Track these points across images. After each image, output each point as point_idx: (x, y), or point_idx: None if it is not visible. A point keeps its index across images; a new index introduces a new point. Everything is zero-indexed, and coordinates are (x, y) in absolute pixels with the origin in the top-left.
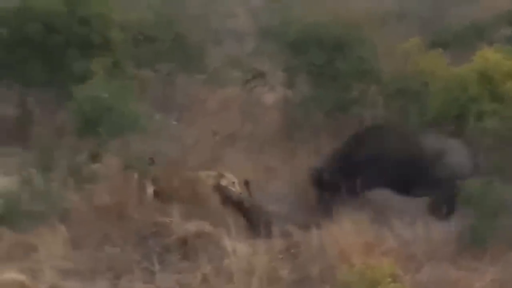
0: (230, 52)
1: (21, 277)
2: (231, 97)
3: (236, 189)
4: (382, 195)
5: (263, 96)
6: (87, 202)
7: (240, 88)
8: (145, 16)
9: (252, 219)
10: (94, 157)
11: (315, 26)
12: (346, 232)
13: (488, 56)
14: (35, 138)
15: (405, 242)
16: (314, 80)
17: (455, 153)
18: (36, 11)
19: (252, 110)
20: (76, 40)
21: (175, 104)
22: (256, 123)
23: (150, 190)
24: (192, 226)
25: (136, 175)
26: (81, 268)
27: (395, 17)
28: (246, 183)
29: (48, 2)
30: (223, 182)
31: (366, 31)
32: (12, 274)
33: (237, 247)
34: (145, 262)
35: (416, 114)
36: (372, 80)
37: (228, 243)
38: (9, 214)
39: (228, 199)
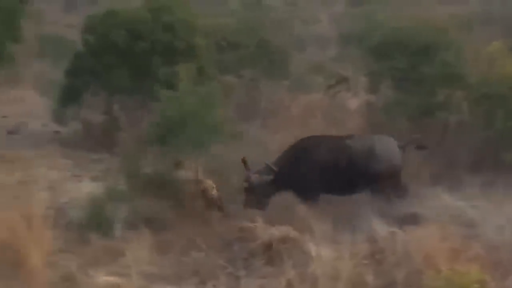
0: (314, 58)
1: (115, 279)
2: (315, 102)
3: (215, 193)
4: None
5: (347, 101)
6: (172, 208)
7: (324, 93)
8: (228, 22)
9: None
10: (177, 164)
11: (399, 30)
12: (432, 237)
13: None
14: (121, 145)
15: (491, 247)
16: (398, 85)
17: (384, 146)
18: (121, 18)
19: (336, 115)
20: (160, 46)
21: (259, 110)
22: (339, 128)
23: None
24: (277, 231)
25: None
26: (166, 273)
27: (479, 21)
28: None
29: (133, 10)
30: (203, 187)
31: (450, 35)
32: (106, 277)
33: (322, 252)
34: (230, 267)
35: (502, 119)
36: (457, 85)
37: (312, 248)
38: (96, 219)
39: (209, 202)
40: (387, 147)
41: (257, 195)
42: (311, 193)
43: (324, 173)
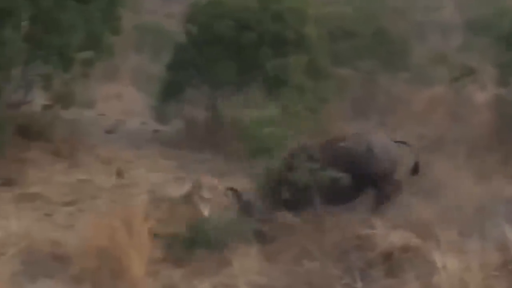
0: (436, 48)
1: None
2: (438, 96)
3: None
4: None
5: (473, 95)
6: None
7: (448, 86)
8: (343, 10)
9: None
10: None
11: None
12: None
13: None
14: (225, 143)
15: None
16: None
17: (380, 144)
18: (227, 7)
19: (461, 110)
20: (269, 37)
21: (376, 106)
22: (465, 125)
23: None
24: (397, 239)
25: None
26: (277, 284)
27: None
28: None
29: None
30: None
31: None
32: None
33: (448, 262)
34: (347, 278)
35: None
36: None
37: (437, 257)
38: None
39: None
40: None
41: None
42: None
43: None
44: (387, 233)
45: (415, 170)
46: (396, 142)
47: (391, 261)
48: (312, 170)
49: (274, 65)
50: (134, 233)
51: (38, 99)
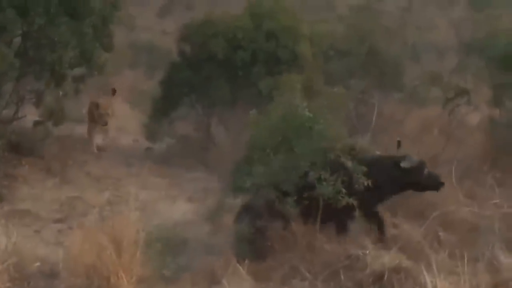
0: (430, 68)
1: None
2: (431, 117)
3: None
4: None
5: (467, 115)
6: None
7: (441, 107)
8: (336, 29)
9: None
10: None
11: None
12: None
13: None
14: (218, 162)
15: None
16: None
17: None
18: (221, 26)
19: (455, 131)
20: (262, 56)
21: (368, 125)
22: (459, 145)
23: None
24: (388, 260)
25: None
26: None
27: None
28: None
29: (232, 17)
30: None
31: None
32: None
33: (438, 284)
34: None
35: None
36: None
37: (428, 279)
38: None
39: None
40: None
41: None
42: None
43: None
44: (378, 254)
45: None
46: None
47: (382, 282)
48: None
49: (268, 83)
50: (123, 251)
51: (30, 115)
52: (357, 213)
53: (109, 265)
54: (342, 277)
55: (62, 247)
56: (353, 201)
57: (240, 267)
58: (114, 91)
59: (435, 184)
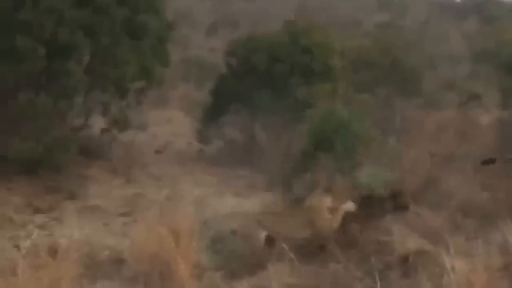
0: (445, 76)
1: None
2: (447, 119)
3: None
4: None
5: (479, 117)
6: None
7: (456, 110)
8: (363, 43)
9: None
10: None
11: None
12: None
13: None
14: (262, 161)
15: None
16: None
17: None
18: (263, 42)
19: (468, 131)
20: (299, 68)
21: (393, 127)
22: (472, 143)
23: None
24: (413, 244)
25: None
26: (306, 284)
27: None
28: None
29: (272, 34)
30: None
31: None
32: None
33: (456, 264)
34: (367, 279)
35: None
36: None
37: (447, 260)
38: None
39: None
40: None
41: None
42: None
43: None
44: (403, 239)
45: None
46: None
47: (407, 264)
48: None
49: (304, 92)
50: (181, 240)
51: (98, 124)
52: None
53: (169, 253)
54: (373, 260)
55: (127, 237)
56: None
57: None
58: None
59: None
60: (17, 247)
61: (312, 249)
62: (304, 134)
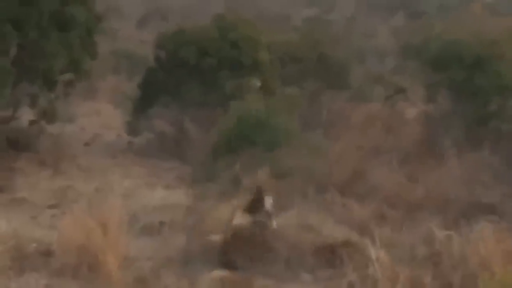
0: (373, 70)
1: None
2: (374, 112)
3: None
4: None
5: (405, 110)
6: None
7: (382, 103)
8: (290, 37)
9: None
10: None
11: (455, 43)
12: (487, 241)
13: None
14: (191, 153)
15: None
16: (454, 95)
17: None
18: (191, 36)
19: (395, 124)
20: (227, 62)
21: (320, 120)
22: (398, 136)
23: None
24: (339, 235)
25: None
26: None
27: None
28: None
29: (201, 28)
30: None
31: (504, 48)
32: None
33: (381, 255)
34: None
35: None
36: (510, 95)
37: (372, 251)
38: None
39: None
40: None
41: None
42: None
43: None
44: (331, 230)
45: None
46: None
47: (334, 255)
48: None
49: (232, 86)
50: (109, 232)
51: (26, 115)
52: None
53: (97, 245)
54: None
55: (55, 230)
56: None
57: None
58: None
59: None
60: None
61: None
62: (226, 129)
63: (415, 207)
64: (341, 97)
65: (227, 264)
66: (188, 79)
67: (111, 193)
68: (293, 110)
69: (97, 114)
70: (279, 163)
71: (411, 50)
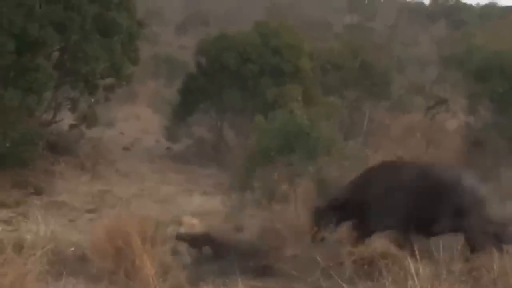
0: (413, 79)
1: None
2: (414, 122)
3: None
4: None
5: (446, 122)
6: (280, 222)
7: (423, 114)
8: (332, 46)
9: None
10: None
11: (498, 54)
12: None
13: None
14: (229, 160)
15: None
16: (496, 107)
17: (468, 178)
18: (232, 41)
19: (435, 135)
20: (268, 69)
21: (360, 129)
22: (438, 148)
23: None
24: (378, 247)
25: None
26: None
27: None
28: None
29: (243, 34)
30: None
31: None
32: None
33: (420, 268)
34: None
35: None
36: None
37: (411, 264)
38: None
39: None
40: (473, 181)
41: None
42: (374, 225)
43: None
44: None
45: None
46: None
47: (372, 266)
48: None
49: (273, 93)
50: (147, 238)
51: (66, 119)
52: None
53: (134, 250)
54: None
55: (93, 234)
56: None
57: None
58: None
59: None
60: None
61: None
62: (266, 137)
63: None
64: (382, 106)
65: (264, 271)
66: (229, 85)
67: (149, 198)
68: (334, 118)
69: (136, 119)
70: (320, 172)
71: (453, 60)
